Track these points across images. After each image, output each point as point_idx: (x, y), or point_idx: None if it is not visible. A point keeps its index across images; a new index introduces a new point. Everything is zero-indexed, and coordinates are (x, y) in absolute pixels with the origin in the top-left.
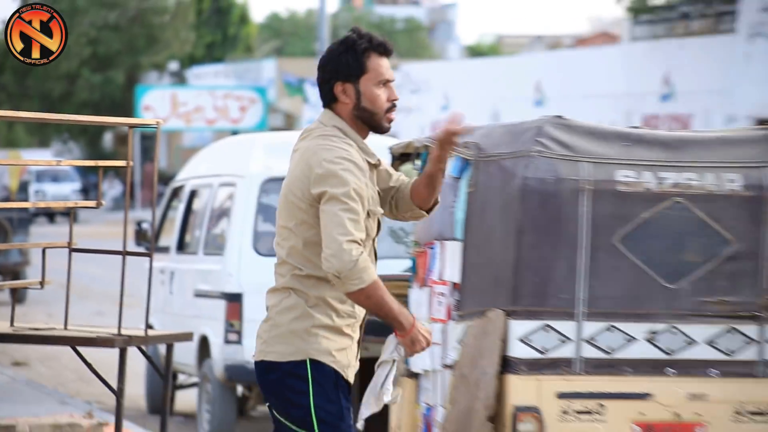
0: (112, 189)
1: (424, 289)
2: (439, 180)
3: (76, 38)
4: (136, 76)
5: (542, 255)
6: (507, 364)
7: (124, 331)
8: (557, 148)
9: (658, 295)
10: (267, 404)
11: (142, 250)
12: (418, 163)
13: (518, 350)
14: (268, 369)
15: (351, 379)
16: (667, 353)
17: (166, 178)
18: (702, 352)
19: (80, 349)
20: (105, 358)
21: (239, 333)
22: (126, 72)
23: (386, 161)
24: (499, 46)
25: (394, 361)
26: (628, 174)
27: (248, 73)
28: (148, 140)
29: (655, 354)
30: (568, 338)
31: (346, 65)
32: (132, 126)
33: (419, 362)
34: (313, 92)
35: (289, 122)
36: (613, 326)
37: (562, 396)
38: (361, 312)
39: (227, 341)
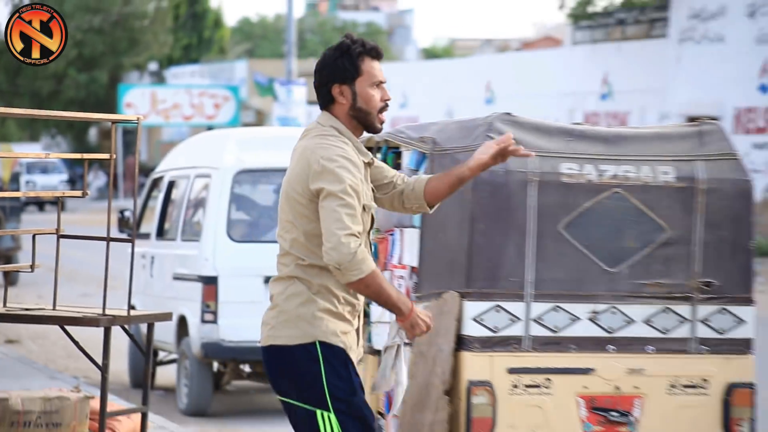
0: (96, 180)
1: (385, 273)
2: (464, 184)
3: None
4: (119, 75)
5: (493, 241)
6: (461, 342)
7: (108, 312)
8: None
9: (599, 278)
10: (277, 395)
11: (124, 236)
12: (379, 156)
13: (472, 329)
14: (278, 353)
15: (355, 361)
16: (608, 331)
17: (146, 170)
18: (640, 331)
19: (68, 327)
20: (91, 336)
21: (215, 313)
22: (109, 72)
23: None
24: (453, 48)
25: (398, 345)
26: (572, 167)
27: (222, 73)
28: (130, 135)
29: (597, 332)
30: (517, 318)
31: (343, 68)
32: (115, 122)
33: (381, 340)
34: (281, 90)
35: (260, 118)
36: (558, 307)
37: (513, 371)
38: (360, 301)
39: (204, 321)
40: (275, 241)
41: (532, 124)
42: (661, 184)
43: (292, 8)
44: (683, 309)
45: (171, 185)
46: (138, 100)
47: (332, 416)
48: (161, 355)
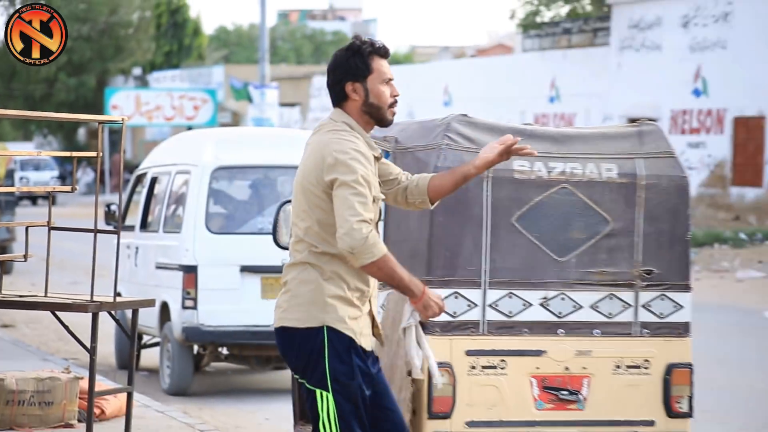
0: (85, 176)
1: None
2: (468, 181)
3: None
4: (105, 80)
5: (452, 233)
6: (423, 326)
7: (96, 298)
8: (463, 142)
9: (549, 266)
10: (292, 372)
11: (110, 228)
12: None
13: None
14: (287, 334)
15: (366, 346)
16: (558, 316)
17: (131, 167)
18: (587, 315)
19: (59, 313)
20: (80, 321)
21: (195, 300)
22: (97, 76)
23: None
24: (413, 55)
25: (414, 325)
26: (523, 164)
27: (200, 77)
28: (116, 134)
29: (548, 317)
30: (474, 304)
31: (355, 67)
32: (102, 122)
33: None
34: (255, 93)
35: (236, 119)
36: (512, 293)
37: (470, 353)
38: (370, 287)
39: (184, 307)
40: (251, 233)
41: (486, 125)
42: (605, 180)
43: (264, 18)
44: (626, 295)
45: (154, 181)
46: (123, 103)
47: (330, 396)
48: (145, 338)
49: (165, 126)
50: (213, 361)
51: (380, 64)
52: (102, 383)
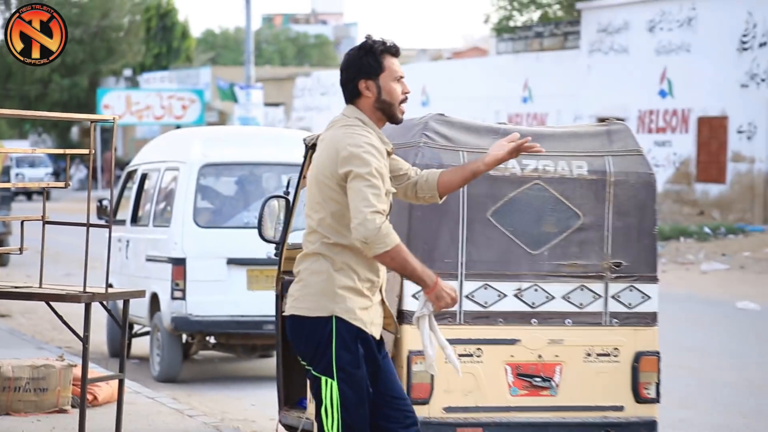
0: (78, 173)
1: None
2: (477, 177)
3: None
4: (98, 80)
5: (430, 227)
6: (402, 316)
7: (88, 289)
8: (440, 140)
9: (523, 259)
10: (299, 358)
11: (102, 222)
12: None
13: (411, 305)
14: (297, 322)
15: (376, 335)
16: (531, 307)
17: (122, 164)
18: (559, 306)
19: (53, 303)
20: (73, 311)
21: (183, 291)
22: (89, 77)
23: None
24: None
25: (428, 315)
26: None
27: (188, 78)
28: (107, 133)
29: (521, 307)
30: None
31: (368, 65)
32: (94, 121)
33: None
34: (241, 94)
35: (222, 118)
36: (487, 285)
37: (448, 342)
38: (379, 278)
39: (173, 298)
40: (237, 227)
41: (462, 124)
42: (576, 177)
43: (250, 21)
44: (597, 286)
45: (144, 177)
46: (114, 102)
47: (334, 384)
48: (136, 328)
49: (154, 125)
50: (201, 350)
51: (391, 63)
52: (94, 371)
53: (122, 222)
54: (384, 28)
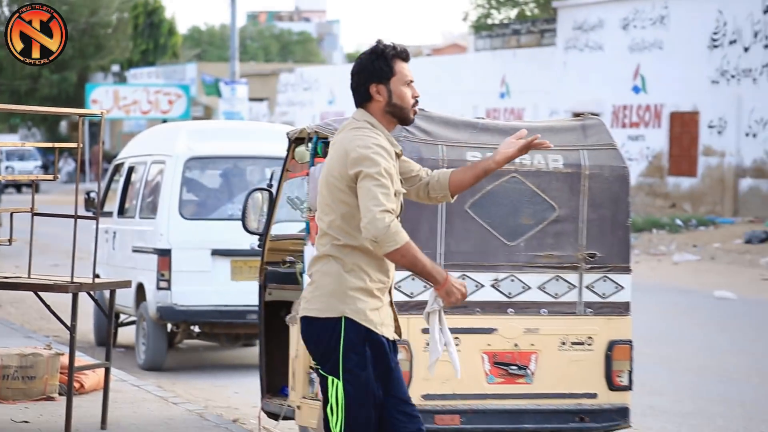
0: (66, 166)
1: (314, 246)
2: (488, 175)
3: None
4: (86, 76)
5: (409, 218)
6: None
7: (76, 280)
8: (420, 134)
9: (500, 250)
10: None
11: (90, 214)
12: (311, 145)
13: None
14: (309, 323)
15: (388, 335)
16: (508, 296)
17: (109, 157)
18: (535, 296)
19: (41, 293)
20: (61, 301)
21: (168, 281)
22: (78, 73)
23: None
24: None
25: (438, 310)
26: (475, 155)
27: (175, 74)
28: (95, 127)
29: (498, 297)
30: (430, 285)
31: (380, 69)
32: (82, 115)
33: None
34: (226, 89)
35: (208, 113)
36: (465, 275)
37: (426, 331)
38: (390, 278)
39: (159, 288)
40: (221, 219)
41: (441, 118)
42: (552, 170)
43: (235, 18)
44: (571, 277)
45: (131, 170)
46: (102, 97)
47: (340, 384)
48: (122, 317)
49: (141, 119)
50: (185, 339)
51: (402, 67)
52: (81, 359)
53: (109, 214)
54: (366, 25)
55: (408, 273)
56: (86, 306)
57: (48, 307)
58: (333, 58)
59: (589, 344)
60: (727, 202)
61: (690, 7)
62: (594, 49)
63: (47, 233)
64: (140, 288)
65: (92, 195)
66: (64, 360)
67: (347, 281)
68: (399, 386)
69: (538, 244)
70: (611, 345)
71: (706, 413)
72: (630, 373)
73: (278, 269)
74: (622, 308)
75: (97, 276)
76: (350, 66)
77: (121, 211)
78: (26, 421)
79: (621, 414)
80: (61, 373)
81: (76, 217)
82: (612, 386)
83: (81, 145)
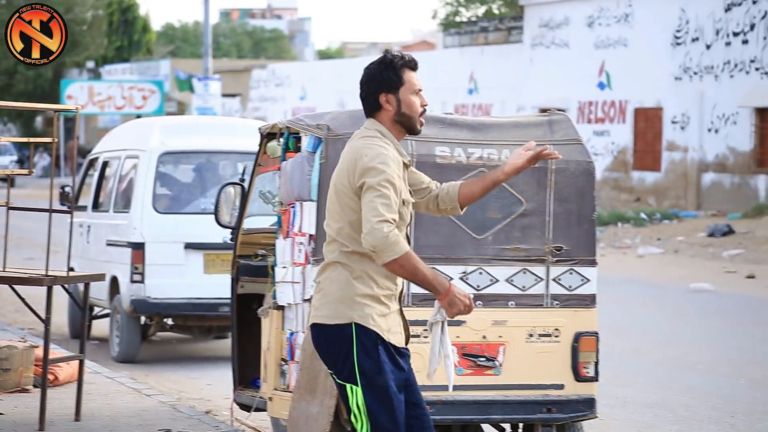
0: (41, 160)
1: (288, 240)
2: (497, 187)
3: None
4: (61, 72)
5: None
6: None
7: (50, 273)
8: None
9: (468, 244)
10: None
11: (64, 208)
12: (282, 140)
13: None
14: (319, 331)
15: (396, 342)
16: (476, 289)
17: (84, 152)
18: (503, 288)
19: (16, 286)
20: (36, 294)
21: (142, 274)
22: (53, 69)
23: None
24: (344, 50)
25: (441, 322)
26: (444, 150)
27: (149, 70)
28: (70, 122)
29: (467, 290)
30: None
31: (389, 79)
32: (57, 111)
33: (284, 297)
34: (199, 85)
35: (181, 109)
36: (434, 268)
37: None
38: (397, 285)
39: (132, 281)
40: (194, 213)
41: None
42: None
43: (208, 16)
44: (538, 270)
45: (105, 165)
46: (77, 93)
47: (359, 390)
48: (96, 310)
49: (116, 114)
50: (159, 331)
51: (410, 76)
52: (55, 351)
53: (84, 208)
54: (336, 23)
55: None
56: (61, 299)
57: (23, 299)
58: (304, 54)
59: (556, 336)
60: (690, 197)
61: (653, 5)
62: (560, 46)
63: (22, 227)
64: (114, 281)
65: (67, 189)
66: (39, 352)
67: (355, 288)
68: (413, 390)
69: (506, 237)
70: (577, 337)
71: (671, 403)
72: (596, 364)
73: (250, 262)
74: (588, 300)
75: (72, 269)
76: (321, 63)
77: (96, 205)
78: (1, 413)
79: (587, 405)
80: (35, 365)
81: (51, 211)
82: (578, 377)
83: (56, 140)
